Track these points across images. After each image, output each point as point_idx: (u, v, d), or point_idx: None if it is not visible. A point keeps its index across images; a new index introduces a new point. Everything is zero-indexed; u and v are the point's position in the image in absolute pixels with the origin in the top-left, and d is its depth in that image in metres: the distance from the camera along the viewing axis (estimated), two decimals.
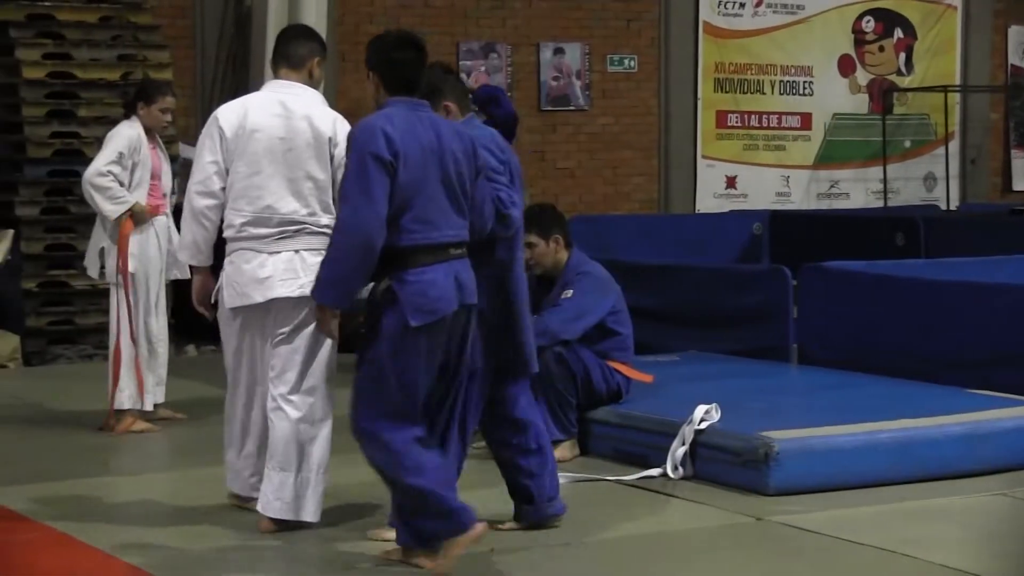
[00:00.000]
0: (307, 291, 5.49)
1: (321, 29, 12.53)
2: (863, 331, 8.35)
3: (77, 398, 8.89)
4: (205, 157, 5.81)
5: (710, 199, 14.92)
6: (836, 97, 15.53)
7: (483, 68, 14.17)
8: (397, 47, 5.27)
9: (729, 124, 15.12)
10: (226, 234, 5.81)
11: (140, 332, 7.84)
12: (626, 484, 6.52)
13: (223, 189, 5.80)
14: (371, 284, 5.05)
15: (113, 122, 9.91)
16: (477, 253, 5.28)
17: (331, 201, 5.74)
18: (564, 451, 6.98)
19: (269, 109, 5.85)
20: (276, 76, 5.99)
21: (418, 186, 5.03)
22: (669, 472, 6.56)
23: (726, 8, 15.03)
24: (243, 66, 12.78)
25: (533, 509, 5.76)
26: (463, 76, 13.94)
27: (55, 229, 10.74)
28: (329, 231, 5.50)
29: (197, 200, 5.81)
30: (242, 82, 12.77)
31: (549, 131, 14.43)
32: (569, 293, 7.06)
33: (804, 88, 15.40)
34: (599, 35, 14.67)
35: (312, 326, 5.62)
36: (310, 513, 5.76)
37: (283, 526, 5.74)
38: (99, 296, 9.95)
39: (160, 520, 6.04)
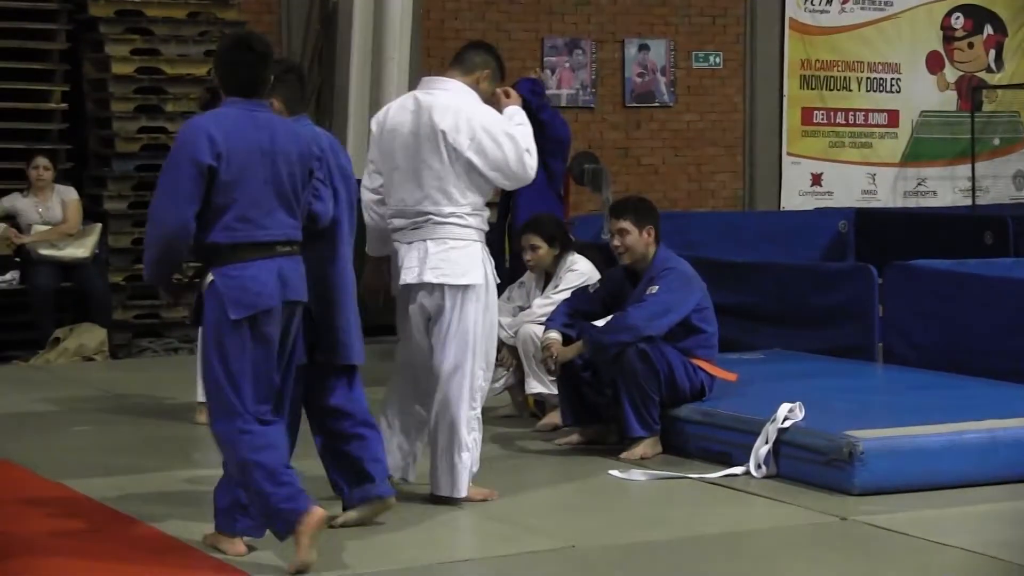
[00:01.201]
0: (426, 278, 6.01)
1: (406, 25, 12.61)
2: (950, 330, 8.26)
3: (163, 390, 9.01)
4: (369, 155, 6.28)
5: (795, 196, 14.82)
6: (924, 94, 15.37)
7: (567, 64, 14.17)
8: (232, 50, 5.41)
9: (815, 121, 15.01)
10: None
11: None
12: (709, 482, 6.50)
13: (382, 185, 6.21)
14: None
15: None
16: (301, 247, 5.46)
17: (455, 194, 6.03)
18: (646, 448, 6.98)
19: (405, 106, 6.18)
20: (445, 75, 6.27)
21: (242, 186, 5.20)
22: (752, 471, 6.53)
23: (813, 4, 14.92)
24: (328, 62, 12.86)
25: (358, 492, 5.75)
26: (547, 72, 13.95)
27: (142, 223, 10.83)
28: (453, 220, 6.01)
29: (364, 195, 6.24)
30: (327, 79, 12.87)
31: (633, 127, 14.40)
32: (654, 289, 7.05)
33: (891, 85, 15.25)
34: (684, 31, 14.62)
35: (444, 313, 6.05)
36: (459, 490, 6.09)
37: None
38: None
39: None
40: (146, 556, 5.44)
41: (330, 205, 5.65)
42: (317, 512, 5.15)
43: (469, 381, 6.08)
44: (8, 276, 10.59)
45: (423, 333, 6.15)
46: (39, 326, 10.46)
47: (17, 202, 10.68)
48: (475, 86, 6.17)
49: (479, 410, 6.16)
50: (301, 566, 5.14)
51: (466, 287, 6.04)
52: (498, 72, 6.26)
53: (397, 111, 6.17)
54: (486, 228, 6.17)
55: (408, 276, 6.07)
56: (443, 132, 6.02)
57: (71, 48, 11.27)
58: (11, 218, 10.72)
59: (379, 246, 6.28)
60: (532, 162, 6.08)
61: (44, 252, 10.47)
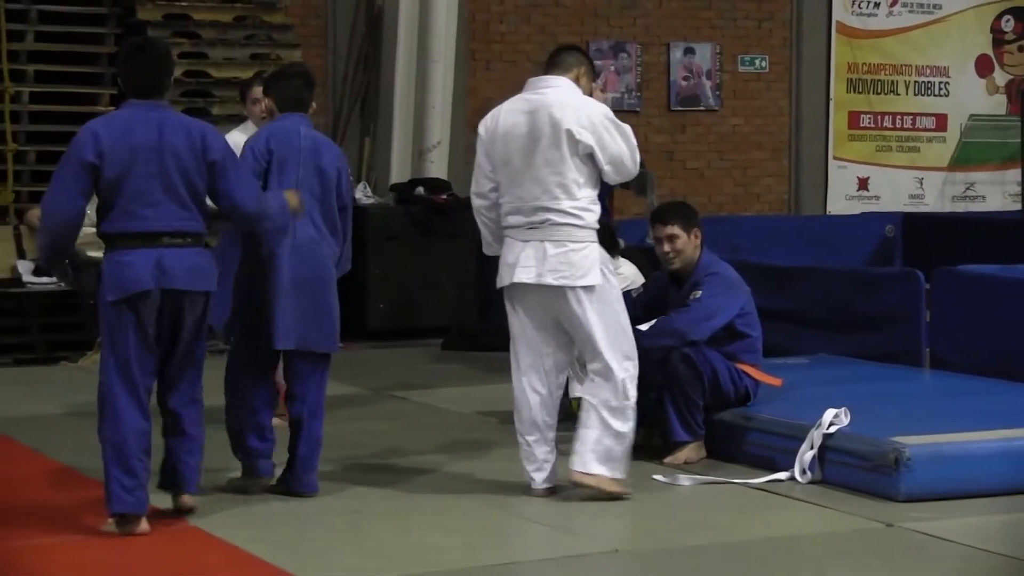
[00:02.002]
0: (545, 280, 6.14)
1: (451, 28, 12.63)
2: (997, 336, 8.19)
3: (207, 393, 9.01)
4: (477, 161, 6.42)
5: (841, 201, 14.74)
6: (973, 98, 15.26)
7: (612, 68, 14.15)
8: (130, 54, 5.91)
9: (862, 125, 14.93)
10: (502, 224, 6.35)
11: None
12: (753, 487, 6.46)
13: (492, 190, 6.35)
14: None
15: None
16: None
17: (573, 188, 6.17)
18: (690, 453, 6.94)
19: (516, 107, 6.30)
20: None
21: (126, 181, 5.66)
22: (797, 476, 6.49)
23: (860, 8, 14.84)
24: (374, 65, 12.90)
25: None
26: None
27: None
28: (571, 220, 6.14)
29: (475, 201, 6.47)
30: (373, 81, 12.90)
31: (678, 131, 14.36)
32: (698, 294, 7.03)
33: (940, 89, 15.15)
34: (730, 35, 14.58)
35: (571, 313, 6.16)
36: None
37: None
38: None
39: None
40: (180, 552, 5.45)
41: (250, 194, 5.92)
42: (142, 524, 5.67)
43: (611, 374, 6.21)
44: (56, 277, 10.68)
45: (544, 329, 6.26)
46: (87, 327, 10.51)
47: None
48: (576, 83, 6.35)
49: (633, 400, 6.25)
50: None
51: (585, 288, 6.17)
52: (591, 70, 6.50)
53: (509, 114, 6.29)
54: (597, 226, 6.30)
55: (524, 275, 6.17)
56: (565, 127, 6.17)
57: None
58: None
59: (497, 247, 6.42)
60: (638, 158, 6.37)
61: (92, 254, 10.44)
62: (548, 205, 6.17)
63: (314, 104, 6.71)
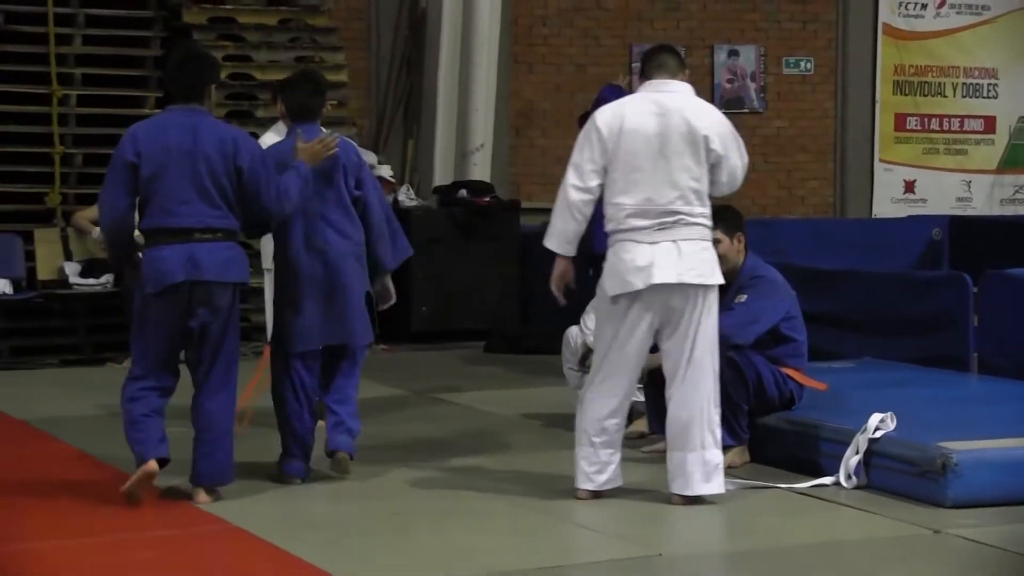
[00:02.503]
0: (688, 278, 6.07)
1: (494, 31, 12.63)
2: None
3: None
4: (584, 155, 6.23)
5: (887, 204, 14.65)
6: (1022, 100, 15.12)
7: None
8: (174, 61, 6.39)
9: (908, 127, 14.84)
10: (609, 227, 6.20)
11: None
12: (798, 492, 6.42)
13: (599, 185, 6.19)
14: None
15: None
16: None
17: (703, 191, 6.18)
18: (734, 457, 6.91)
19: (645, 108, 6.21)
20: (650, 79, 6.33)
21: (161, 181, 6.11)
22: (842, 481, 6.44)
23: (907, 9, 14.75)
24: (417, 68, 12.91)
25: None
26: (634, 78, 13.88)
27: None
28: (700, 220, 6.13)
29: (574, 195, 6.21)
30: (416, 84, 12.91)
31: None
32: (743, 297, 6.99)
33: (988, 91, 15.03)
34: (775, 37, 14.52)
35: (692, 314, 6.12)
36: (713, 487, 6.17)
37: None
38: None
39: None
40: (224, 553, 5.46)
41: (272, 199, 6.30)
42: (150, 465, 6.10)
43: (714, 378, 6.21)
44: (103, 279, 10.74)
45: (649, 334, 6.19)
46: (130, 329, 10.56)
47: None
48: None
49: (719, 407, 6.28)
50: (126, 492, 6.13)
51: (711, 287, 6.18)
52: (685, 67, 6.49)
53: (637, 113, 6.18)
54: None
55: (664, 275, 6.07)
56: (703, 134, 6.16)
57: (165, 55, 11.40)
58: None
59: (572, 247, 6.27)
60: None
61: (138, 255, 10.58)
62: (681, 209, 6.12)
63: (328, 107, 7.00)
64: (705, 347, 6.19)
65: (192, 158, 6.12)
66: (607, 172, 6.18)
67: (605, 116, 6.23)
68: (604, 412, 6.27)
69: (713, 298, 6.21)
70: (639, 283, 6.10)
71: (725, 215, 7.20)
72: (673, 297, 6.12)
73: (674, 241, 6.10)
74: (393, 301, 7.06)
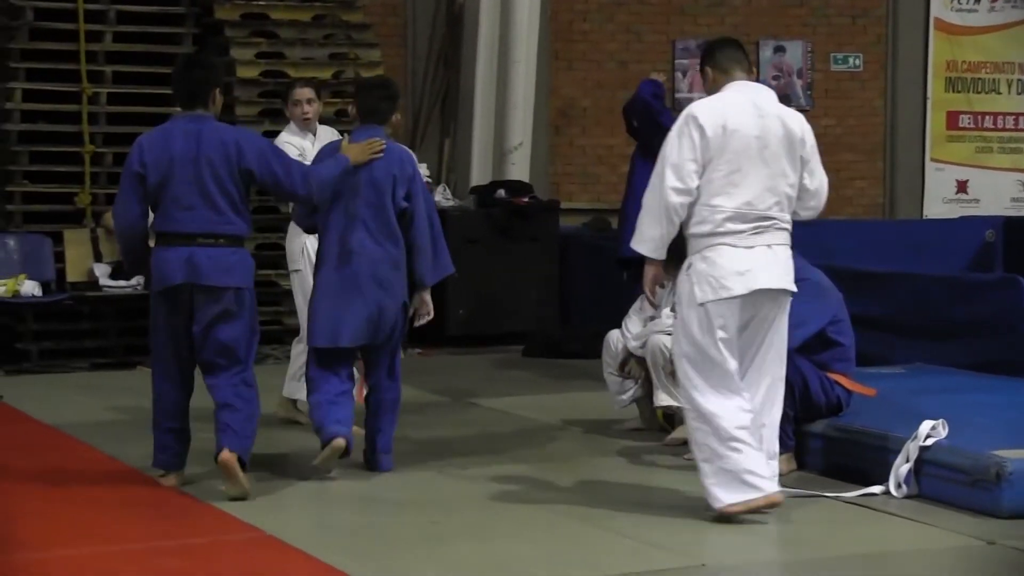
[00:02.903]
0: (784, 284, 6.06)
1: (533, 26, 12.63)
2: None
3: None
4: (684, 154, 6.03)
5: (939, 204, 14.58)
6: None
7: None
8: (177, 70, 6.73)
9: (961, 125, 14.75)
10: (700, 230, 6.02)
11: None
12: (845, 501, 6.39)
13: (698, 187, 6.03)
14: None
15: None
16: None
17: (794, 199, 6.15)
18: (780, 464, 6.87)
19: (744, 108, 6.10)
20: (732, 78, 6.20)
21: (166, 187, 6.47)
22: (892, 490, 6.41)
23: (960, 3, 14.67)
24: (454, 65, 12.92)
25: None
26: (678, 74, 13.87)
27: (265, 228, 11.00)
28: (789, 227, 6.11)
29: (673, 197, 6.01)
30: (453, 81, 12.92)
31: None
32: None
33: None
34: (822, 32, 14.46)
35: (776, 320, 6.08)
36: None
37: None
38: None
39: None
40: (259, 562, 5.48)
41: (298, 180, 6.59)
42: (169, 478, 6.61)
43: (780, 387, 6.20)
44: (133, 281, 10.77)
45: (739, 339, 6.09)
46: None
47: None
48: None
49: None
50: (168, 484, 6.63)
51: (792, 293, 6.18)
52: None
53: (738, 113, 6.05)
54: None
55: (767, 280, 6.01)
56: (799, 137, 6.14)
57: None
58: None
59: (662, 251, 6.13)
60: None
61: None
62: (776, 215, 6.07)
63: (397, 115, 7.24)
64: (782, 352, 6.18)
65: (196, 164, 6.44)
66: (704, 172, 6.02)
67: (706, 113, 6.04)
68: (737, 419, 6.04)
69: (788, 304, 6.22)
70: (740, 288, 5.98)
71: None
72: (765, 302, 6.07)
73: (768, 246, 6.04)
74: (431, 316, 7.18)
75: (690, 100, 13.69)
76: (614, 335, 8.03)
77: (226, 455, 6.39)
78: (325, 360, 6.94)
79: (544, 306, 11.95)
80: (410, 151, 7.37)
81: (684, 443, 7.50)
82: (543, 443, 7.87)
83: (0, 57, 11.11)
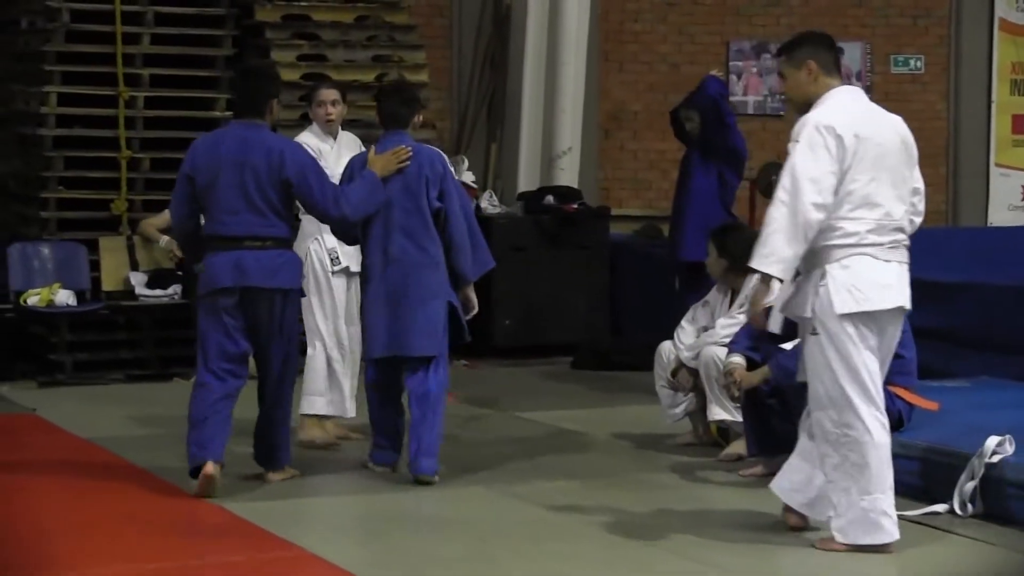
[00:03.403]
0: (909, 305, 5.92)
1: (582, 27, 12.62)
2: None
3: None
4: (824, 167, 5.82)
5: (1004, 211, 14.47)
6: None
7: (754, 69, 14.04)
8: (236, 78, 7.34)
9: None
10: (839, 242, 5.82)
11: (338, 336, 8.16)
12: (908, 519, 6.33)
13: (834, 202, 5.85)
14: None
15: (367, 125, 10.16)
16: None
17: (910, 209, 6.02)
18: None
19: (868, 115, 5.98)
20: (836, 80, 6.06)
21: (213, 192, 6.87)
22: (956, 509, 6.36)
23: None
24: (501, 67, 12.93)
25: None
26: (733, 77, 13.83)
27: None
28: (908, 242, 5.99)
29: (813, 213, 5.78)
30: (500, 84, 12.93)
31: None
32: None
33: None
34: (882, 33, 14.39)
35: (894, 340, 5.96)
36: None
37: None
38: None
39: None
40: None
41: (329, 202, 6.94)
42: (208, 468, 6.73)
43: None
44: (170, 290, 10.82)
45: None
46: None
47: None
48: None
49: None
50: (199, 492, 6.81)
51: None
52: None
53: (865, 120, 5.93)
54: None
55: (904, 298, 5.92)
56: (913, 147, 6.07)
57: (237, 55, 11.48)
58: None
59: (790, 271, 5.88)
60: None
61: None
62: (905, 227, 5.98)
63: (418, 118, 7.46)
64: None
65: (240, 170, 6.83)
66: (841, 184, 5.83)
67: (842, 120, 5.86)
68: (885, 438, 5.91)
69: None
70: (887, 302, 5.86)
71: None
72: (893, 320, 5.96)
73: (900, 263, 5.93)
74: (475, 311, 7.40)
75: (744, 104, 13.81)
76: (666, 346, 8.01)
77: (271, 476, 7.10)
78: (380, 369, 7.26)
79: (593, 316, 11.92)
80: (439, 151, 7.51)
81: (739, 458, 7.49)
82: (593, 458, 7.85)
83: (35, 60, 11.18)
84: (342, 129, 8.40)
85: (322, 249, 8.02)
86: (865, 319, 5.84)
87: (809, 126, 5.85)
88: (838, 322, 5.82)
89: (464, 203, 7.33)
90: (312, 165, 6.99)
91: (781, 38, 13.91)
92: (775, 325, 6.16)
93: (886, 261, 5.87)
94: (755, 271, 5.87)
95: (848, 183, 5.83)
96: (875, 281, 5.83)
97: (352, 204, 7.02)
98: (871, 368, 5.86)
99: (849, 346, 5.83)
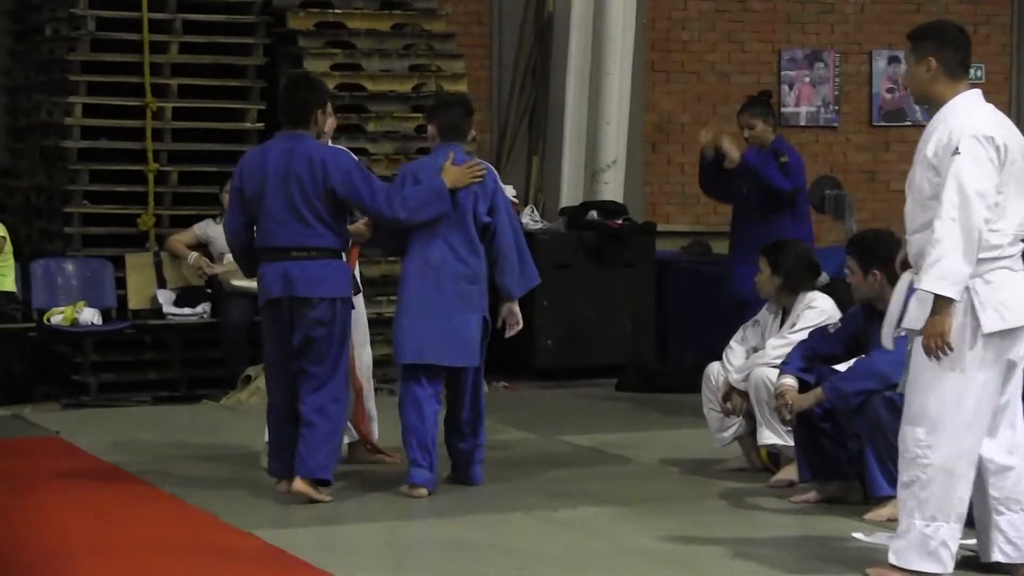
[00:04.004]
0: None
1: (628, 36, 12.62)
2: None
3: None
4: (991, 180, 5.73)
5: None
6: None
7: (807, 79, 14.01)
8: (281, 89, 7.53)
9: None
10: (982, 255, 5.70)
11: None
12: (970, 549, 6.27)
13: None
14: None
15: (404, 138, 10.19)
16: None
17: None
18: (895, 509, 6.73)
19: (1004, 122, 5.89)
20: (954, 84, 6.00)
21: (261, 203, 7.22)
22: None
23: None
24: (543, 77, 12.93)
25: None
26: (784, 87, 13.81)
27: None
28: None
29: (984, 229, 5.68)
30: (541, 95, 12.94)
31: (881, 149, 14.16)
32: (903, 332, 6.87)
33: None
34: None
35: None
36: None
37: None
38: None
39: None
40: None
41: (383, 203, 7.22)
42: (283, 486, 7.24)
43: None
44: (199, 309, 10.85)
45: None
46: (231, 363, 10.65)
47: (210, 229, 10.92)
48: None
49: None
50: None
51: None
52: None
53: (1004, 126, 5.84)
54: None
55: None
56: None
57: (268, 64, 11.51)
58: (203, 246, 10.96)
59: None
60: None
61: (237, 283, 10.63)
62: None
63: (473, 133, 7.88)
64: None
65: (286, 181, 7.14)
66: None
67: (994, 131, 5.78)
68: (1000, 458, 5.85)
69: None
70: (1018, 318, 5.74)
71: (861, 245, 7.21)
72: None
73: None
74: (520, 327, 7.62)
75: (796, 115, 13.79)
76: (714, 368, 7.99)
77: (297, 485, 7.12)
78: (413, 378, 7.39)
79: (639, 336, 11.91)
80: (491, 165, 7.72)
81: (790, 484, 7.46)
82: (638, 484, 7.83)
83: (59, 69, 11.23)
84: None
85: None
86: (1005, 336, 5.74)
87: (967, 137, 5.73)
88: (976, 341, 5.72)
89: (512, 219, 7.59)
90: (356, 169, 7.25)
91: (835, 47, 14.01)
92: (888, 342, 6.06)
93: (1019, 272, 5.78)
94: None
95: (1003, 194, 5.77)
96: (1018, 296, 5.74)
97: (409, 207, 7.28)
98: (989, 390, 5.75)
99: (974, 366, 5.73)
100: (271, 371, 7.37)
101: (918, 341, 5.79)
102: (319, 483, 7.16)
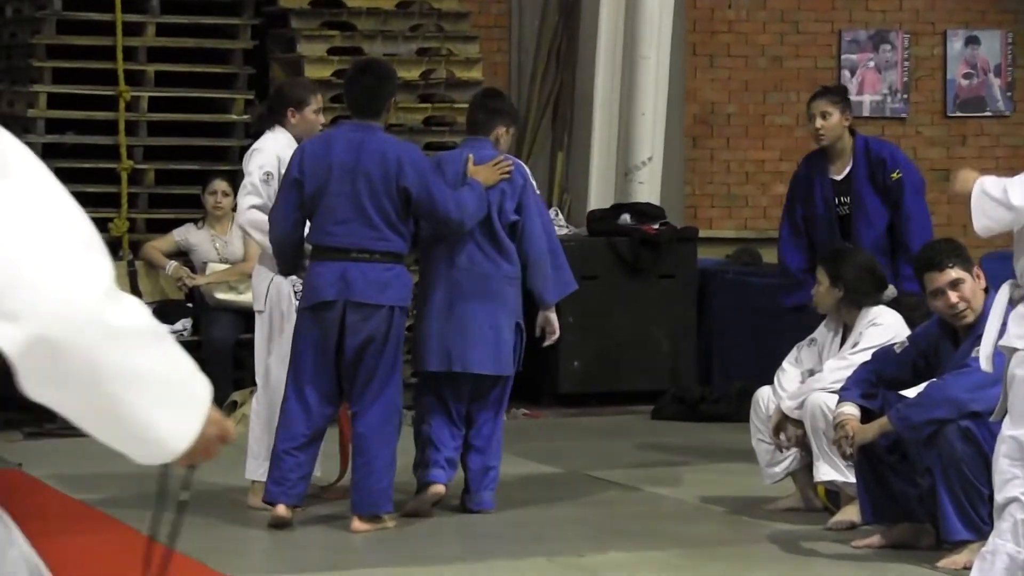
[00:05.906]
0: None
1: (666, 16, 12.66)
2: None
3: None
4: None
5: None
6: None
7: (872, 63, 14.04)
8: (349, 75, 7.77)
9: None
10: None
11: None
12: None
13: None
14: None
15: (410, 130, 10.23)
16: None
17: None
18: (972, 556, 6.77)
19: None
20: None
21: (322, 198, 7.33)
22: None
23: None
24: (569, 63, 12.97)
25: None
26: (845, 72, 13.83)
27: None
28: None
29: None
30: (567, 82, 12.98)
31: (957, 143, 14.17)
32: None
33: None
34: None
35: None
36: None
37: None
38: None
39: None
40: None
41: (452, 208, 7.44)
42: (279, 509, 7.35)
43: None
44: (179, 325, 10.86)
45: None
46: (214, 386, 10.65)
47: (190, 235, 10.96)
48: None
49: None
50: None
51: None
52: None
53: None
54: None
55: None
56: None
57: (257, 48, 11.55)
58: (183, 254, 10.99)
59: None
60: None
61: (221, 296, 10.68)
62: None
63: (501, 129, 7.98)
64: None
65: (353, 176, 7.29)
66: None
67: None
68: None
69: None
70: None
71: (957, 250, 7.17)
72: None
73: None
74: (557, 335, 7.92)
75: (860, 104, 13.80)
76: (765, 393, 8.00)
77: (357, 525, 7.32)
78: (434, 394, 7.65)
79: (679, 357, 11.93)
80: (520, 161, 8.05)
81: (851, 526, 7.49)
82: (677, 526, 7.86)
83: (21, 54, 11.29)
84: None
85: (286, 281, 7.82)
86: None
87: None
88: None
89: (544, 219, 7.87)
90: (430, 168, 7.49)
91: (904, 26, 14.02)
92: (986, 363, 6.12)
93: None
94: None
95: None
96: None
97: (470, 213, 7.55)
98: None
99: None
100: (301, 385, 7.34)
101: (1017, 360, 5.83)
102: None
